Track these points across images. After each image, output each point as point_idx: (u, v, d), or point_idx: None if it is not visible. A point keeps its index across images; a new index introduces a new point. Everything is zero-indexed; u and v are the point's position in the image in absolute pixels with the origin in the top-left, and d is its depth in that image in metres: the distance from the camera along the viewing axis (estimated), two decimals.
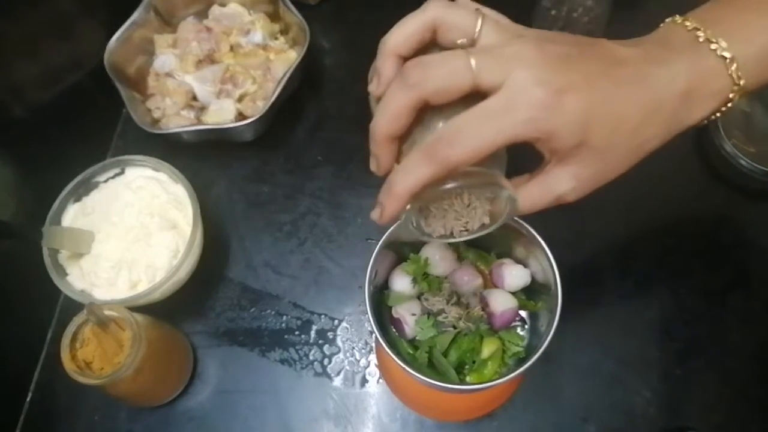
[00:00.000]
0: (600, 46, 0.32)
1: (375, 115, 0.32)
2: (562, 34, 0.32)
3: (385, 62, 0.33)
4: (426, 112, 0.32)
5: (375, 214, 0.33)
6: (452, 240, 0.35)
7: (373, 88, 0.34)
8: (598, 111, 0.30)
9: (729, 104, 0.33)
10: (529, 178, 0.34)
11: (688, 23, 0.33)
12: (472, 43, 0.31)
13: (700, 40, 0.32)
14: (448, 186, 0.31)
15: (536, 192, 0.33)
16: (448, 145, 0.29)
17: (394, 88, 0.31)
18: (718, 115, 0.34)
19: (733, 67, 0.31)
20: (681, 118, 0.32)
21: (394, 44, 0.32)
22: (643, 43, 0.33)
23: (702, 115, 0.33)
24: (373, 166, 0.34)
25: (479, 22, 0.31)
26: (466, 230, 0.35)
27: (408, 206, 0.32)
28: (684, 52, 0.32)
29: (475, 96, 0.30)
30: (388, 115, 0.31)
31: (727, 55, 0.31)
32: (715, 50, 0.31)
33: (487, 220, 0.34)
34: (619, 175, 0.33)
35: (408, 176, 0.31)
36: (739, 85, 0.32)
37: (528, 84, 0.29)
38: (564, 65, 0.30)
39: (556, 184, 0.33)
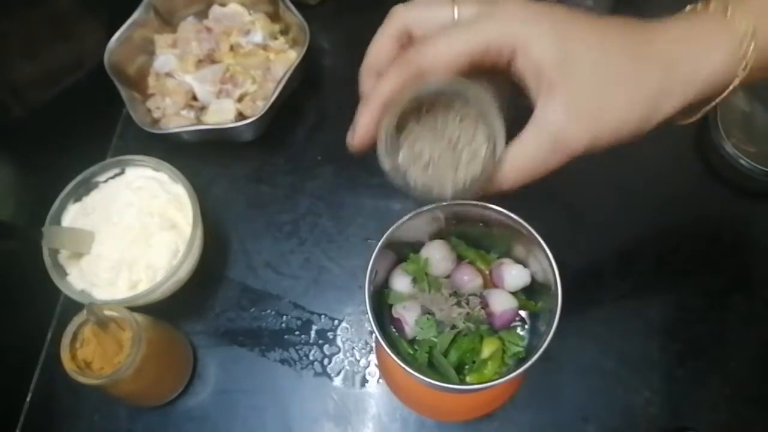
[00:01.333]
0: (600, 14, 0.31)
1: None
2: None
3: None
4: (421, 112, 0.32)
5: (349, 136, 0.33)
6: (432, 194, 0.34)
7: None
8: (575, 38, 0.29)
9: (734, 84, 0.31)
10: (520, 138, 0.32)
11: (711, 5, 0.31)
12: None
13: (713, 10, 0.30)
14: (421, 88, 0.30)
15: (530, 139, 0.31)
16: (421, 48, 0.30)
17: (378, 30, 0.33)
18: (714, 103, 0.32)
19: (747, 43, 0.29)
20: (681, 83, 0.30)
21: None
22: (654, 21, 0.32)
23: (706, 87, 0.30)
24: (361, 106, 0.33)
25: (455, 9, 0.31)
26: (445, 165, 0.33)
27: (384, 124, 0.31)
28: (689, 19, 0.31)
29: None
30: (374, 47, 0.32)
31: (744, 28, 0.29)
32: (729, 23, 0.30)
33: (467, 159, 0.33)
34: (620, 125, 0.30)
35: (381, 83, 0.31)
36: (746, 64, 0.30)
37: (505, 3, 0.30)
38: (549, 8, 0.30)
39: (548, 118, 0.30)
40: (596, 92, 0.30)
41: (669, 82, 0.30)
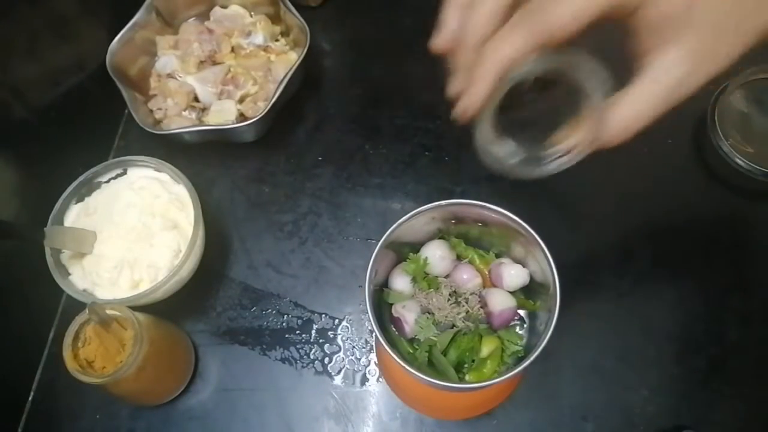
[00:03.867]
0: None
1: (467, 20, 0.29)
2: None
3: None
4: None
5: (461, 105, 0.30)
6: (539, 161, 0.32)
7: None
8: None
9: None
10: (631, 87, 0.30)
11: None
12: None
13: None
14: (537, 63, 0.28)
15: (643, 90, 0.29)
16: (545, 9, 0.27)
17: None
18: None
19: None
20: None
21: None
22: None
23: None
24: (455, 88, 0.30)
25: None
26: (550, 144, 0.32)
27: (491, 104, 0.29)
28: None
29: None
30: (482, 13, 0.28)
31: None
32: None
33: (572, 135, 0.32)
34: (728, 62, 0.29)
35: (504, 44, 0.28)
36: None
37: None
38: None
39: (665, 71, 0.28)
40: (717, 35, 0.28)
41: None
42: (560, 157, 0.33)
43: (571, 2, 0.27)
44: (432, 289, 0.43)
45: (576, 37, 0.29)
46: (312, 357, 0.52)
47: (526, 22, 0.28)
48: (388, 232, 0.40)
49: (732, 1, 0.28)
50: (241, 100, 0.60)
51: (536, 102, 0.33)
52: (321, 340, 0.53)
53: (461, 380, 0.42)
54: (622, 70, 0.31)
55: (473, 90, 0.29)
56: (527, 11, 0.28)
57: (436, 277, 0.44)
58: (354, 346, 0.53)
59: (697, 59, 0.28)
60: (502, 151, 0.33)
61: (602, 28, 0.29)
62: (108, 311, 0.43)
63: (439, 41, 0.32)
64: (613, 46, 0.29)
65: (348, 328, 0.53)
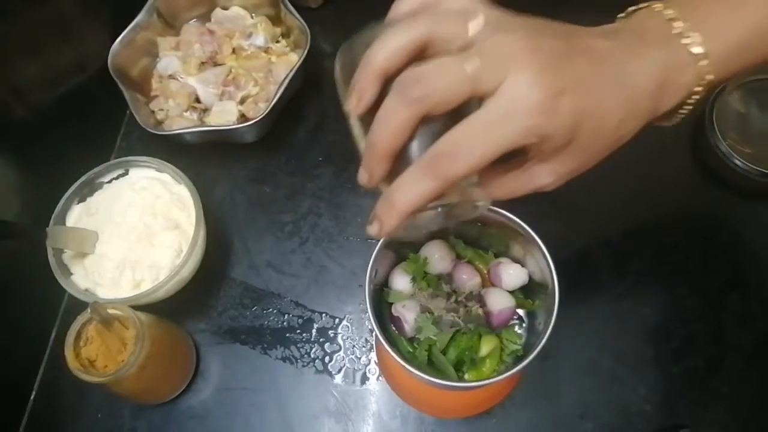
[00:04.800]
0: (581, 39, 0.32)
1: (373, 131, 0.31)
2: (545, 23, 0.32)
3: (369, 82, 0.31)
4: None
5: (373, 230, 0.32)
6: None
7: (352, 106, 0.32)
8: (586, 112, 0.30)
9: (695, 96, 0.33)
10: (505, 171, 0.34)
11: (667, 12, 0.32)
12: (465, 48, 0.30)
13: (674, 32, 0.32)
14: (440, 203, 0.31)
15: (512, 185, 0.34)
16: (450, 159, 0.29)
17: (393, 104, 0.30)
18: (688, 107, 0.34)
19: (704, 63, 0.32)
20: (653, 110, 0.33)
21: (381, 64, 0.31)
22: (620, 34, 0.33)
23: (670, 105, 0.33)
24: (363, 179, 0.33)
25: (470, 26, 0.30)
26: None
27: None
28: (659, 47, 0.32)
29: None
30: (391, 130, 0.30)
31: (699, 51, 0.31)
32: (687, 45, 0.31)
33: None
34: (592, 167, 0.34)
35: (410, 193, 0.30)
36: (705, 80, 0.32)
37: (525, 88, 0.29)
38: (555, 65, 0.30)
39: (535, 179, 0.33)
40: (585, 155, 0.33)
41: (643, 123, 0.33)
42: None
43: (474, 152, 0.29)
44: (431, 289, 0.43)
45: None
46: (312, 356, 0.53)
47: (432, 169, 0.30)
48: None
49: (599, 130, 0.31)
50: (242, 101, 0.60)
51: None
52: (321, 340, 0.53)
53: (461, 379, 0.42)
54: None
55: (383, 226, 0.32)
56: (432, 158, 0.30)
57: (436, 276, 0.44)
58: (354, 345, 0.53)
59: (561, 174, 0.33)
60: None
61: None
62: (110, 311, 0.43)
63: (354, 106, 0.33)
64: None
65: (348, 327, 0.54)
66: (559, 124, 0.30)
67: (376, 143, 0.31)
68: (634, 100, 0.32)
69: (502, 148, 0.29)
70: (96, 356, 0.43)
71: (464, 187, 0.33)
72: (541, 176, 0.33)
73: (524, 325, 0.44)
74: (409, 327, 0.42)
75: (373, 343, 0.53)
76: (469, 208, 0.34)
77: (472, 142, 0.29)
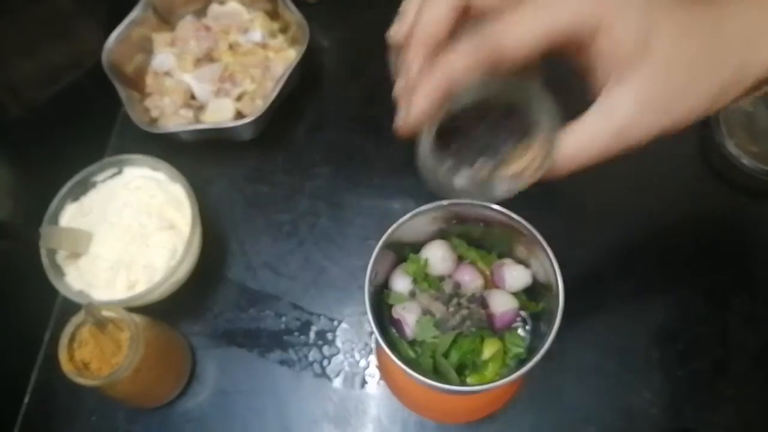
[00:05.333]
0: None
1: (414, 20, 0.29)
2: None
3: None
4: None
5: (399, 117, 0.29)
6: (477, 193, 0.32)
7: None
8: (663, 18, 0.27)
9: None
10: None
11: None
12: None
13: None
14: (480, 88, 0.28)
15: (593, 123, 0.29)
16: (499, 29, 0.27)
17: None
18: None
19: None
20: (747, 65, 0.29)
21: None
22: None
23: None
24: (398, 88, 0.30)
25: None
26: (494, 168, 0.32)
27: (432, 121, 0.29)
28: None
29: None
30: (431, 15, 0.28)
31: None
32: None
33: (520, 167, 0.31)
34: (689, 114, 0.29)
35: (454, 56, 0.27)
36: None
37: None
38: None
39: (615, 107, 0.28)
40: (672, 79, 0.28)
41: (743, 67, 0.28)
42: (506, 183, 0.32)
43: (526, 24, 0.27)
44: (433, 290, 0.43)
45: (529, 68, 0.29)
46: (311, 359, 0.52)
47: (477, 39, 0.27)
48: (388, 233, 0.40)
49: (688, 54, 0.28)
50: (238, 98, 0.59)
51: (482, 127, 0.32)
52: (320, 342, 0.52)
53: (463, 383, 0.41)
54: (577, 104, 0.30)
55: (416, 100, 0.28)
56: (481, 30, 0.28)
57: (438, 278, 0.43)
58: (353, 348, 0.52)
59: (647, 103, 0.28)
60: (445, 174, 0.32)
61: (558, 64, 0.29)
62: (104, 312, 0.43)
63: (396, 33, 0.31)
64: (570, 84, 0.29)
65: (347, 329, 0.53)
66: (625, 15, 0.27)
67: (416, 29, 0.29)
68: (727, 46, 0.28)
69: (557, 25, 0.27)
70: (90, 359, 0.43)
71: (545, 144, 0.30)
72: (621, 104, 0.28)
73: (527, 327, 0.44)
74: (409, 329, 0.41)
75: (373, 346, 0.52)
76: (548, 159, 0.30)
77: (525, 15, 0.27)
